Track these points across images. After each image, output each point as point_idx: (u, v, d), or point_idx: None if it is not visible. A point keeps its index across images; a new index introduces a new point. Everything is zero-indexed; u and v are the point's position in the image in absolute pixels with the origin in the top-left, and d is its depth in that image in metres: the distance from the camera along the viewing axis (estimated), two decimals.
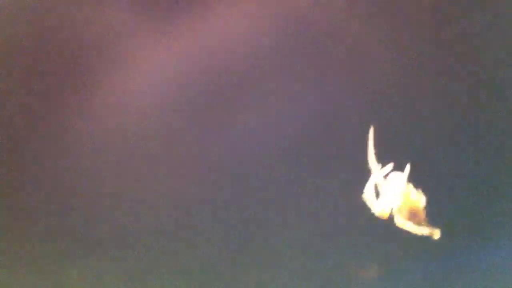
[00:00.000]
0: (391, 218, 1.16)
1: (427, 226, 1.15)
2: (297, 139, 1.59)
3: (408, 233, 1.44)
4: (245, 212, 1.66)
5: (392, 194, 1.14)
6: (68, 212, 1.67)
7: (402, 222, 1.15)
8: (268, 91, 1.68)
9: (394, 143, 1.58)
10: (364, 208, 1.49)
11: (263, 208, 1.65)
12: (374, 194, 1.15)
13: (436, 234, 1.15)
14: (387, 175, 1.15)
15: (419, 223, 1.15)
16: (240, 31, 1.68)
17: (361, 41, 1.68)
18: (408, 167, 1.13)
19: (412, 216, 1.15)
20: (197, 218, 1.67)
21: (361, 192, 1.31)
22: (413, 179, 1.15)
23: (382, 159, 1.24)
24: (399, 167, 1.18)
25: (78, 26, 1.68)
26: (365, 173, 1.33)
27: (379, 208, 1.15)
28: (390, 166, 1.15)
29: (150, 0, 1.70)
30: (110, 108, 1.69)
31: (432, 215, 1.52)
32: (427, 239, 1.55)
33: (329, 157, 1.49)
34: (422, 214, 1.15)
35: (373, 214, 1.19)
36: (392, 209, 1.15)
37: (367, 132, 1.44)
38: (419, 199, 1.15)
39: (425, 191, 1.44)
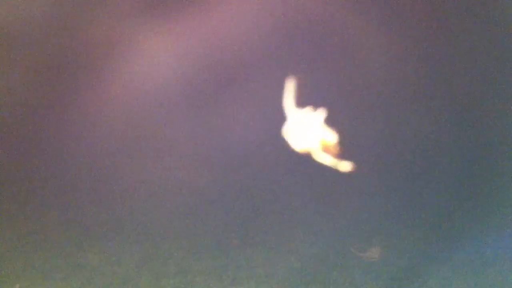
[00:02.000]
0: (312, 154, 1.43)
1: (339, 160, 1.42)
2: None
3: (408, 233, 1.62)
4: (250, 196, 1.77)
5: (309, 134, 1.42)
6: (85, 200, 1.78)
7: (320, 156, 1.42)
8: (267, 90, 1.71)
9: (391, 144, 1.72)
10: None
11: (268, 191, 1.77)
12: (293, 134, 1.42)
13: (345, 166, 1.41)
14: (305, 118, 1.43)
15: (332, 157, 1.42)
16: (240, 31, 1.75)
17: (359, 41, 1.75)
18: (323, 111, 1.41)
19: (326, 151, 1.42)
20: (207, 203, 1.78)
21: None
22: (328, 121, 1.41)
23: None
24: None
25: (78, 27, 1.78)
26: (364, 169, 1.50)
27: (299, 145, 1.43)
28: (308, 109, 1.42)
29: (151, 1, 1.80)
30: (110, 106, 1.79)
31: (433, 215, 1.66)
32: (427, 239, 1.68)
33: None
34: (334, 150, 1.42)
35: None
36: (310, 146, 1.43)
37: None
38: (331, 137, 1.42)
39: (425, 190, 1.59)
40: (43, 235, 1.82)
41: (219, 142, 1.79)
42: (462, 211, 1.68)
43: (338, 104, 1.65)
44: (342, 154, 1.41)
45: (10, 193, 1.82)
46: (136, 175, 1.81)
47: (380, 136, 1.64)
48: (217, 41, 1.75)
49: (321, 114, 1.41)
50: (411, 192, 1.66)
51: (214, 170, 1.79)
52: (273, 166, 1.73)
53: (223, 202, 1.79)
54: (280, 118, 1.61)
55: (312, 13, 1.72)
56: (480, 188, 1.71)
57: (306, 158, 1.45)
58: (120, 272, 1.80)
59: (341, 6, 1.70)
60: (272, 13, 1.76)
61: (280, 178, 1.75)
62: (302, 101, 1.39)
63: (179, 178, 1.79)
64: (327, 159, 1.42)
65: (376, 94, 1.64)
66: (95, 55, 1.78)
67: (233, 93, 1.78)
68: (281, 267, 1.76)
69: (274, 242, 1.78)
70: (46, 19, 1.74)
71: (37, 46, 1.77)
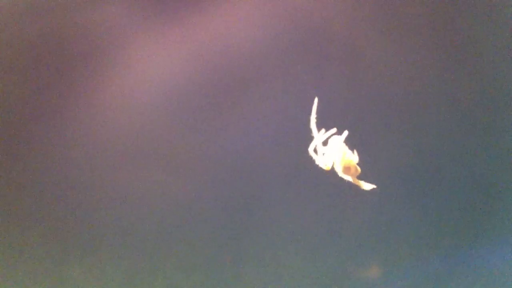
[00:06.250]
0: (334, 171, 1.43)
1: (359, 179, 1.42)
2: (295, 137, 1.59)
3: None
4: (244, 210, 1.74)
5: (332, 153, 1.42)
6: (69, 211, 1.74)
7: (341, 174, 1.43)
8: (267, 91, 1.76)
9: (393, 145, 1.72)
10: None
11: (262, 205, 1.74)
12: (317, 152, 1.42)
13: (366, 186, 1.41)
14: (329, 137, 1.43)
15: (353, 176, 1.42)
16: (240, 32, 1.75)
17: (361, 42, 1.78)
18: (345, 132, 1.41)
19: (347, 170, 1.42)
20: (198, 216, 1.75)
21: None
22: (350, 142, 1.41)
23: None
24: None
25: (79, 27, 1.76)
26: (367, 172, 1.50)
27: (322, 162, 1.43)
28: (333, 130, 1.42)
29: (151, 1, 1.77)
30: (110, 108, 1.77)
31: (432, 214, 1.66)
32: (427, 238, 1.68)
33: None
34: (355, 169, 1.42)
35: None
36: (333, 163, 1.43)
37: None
38: (352, 157, 1.42)
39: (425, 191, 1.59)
40: (23, 247, 1.78)
41: (216, 151, 1.77)
42: (472, 231, 1.69)
43: (359, 123, 1.65)
44: (364, 174, 1.40)
45: None
46: (122, 185, 1.78)
47: (402, 155, 1.64)
48: (219, 44, 1.74)
49: (342, 133, 1.41)
50: (416, 207, 1.67)
51: (208, 182, 1.76)
52: (270, 177, 1.71)
53: (216, 215, 1.76)
54: (286, 127, 1.71)
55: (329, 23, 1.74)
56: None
57: (308, 171, 1.45)
58: (105, 287, 1.76)
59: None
60: (285, 15, 1.76)
61: (278, 191, 1.72)
62: (322, 120, 1.38)
63: (169, 189, 1.76)
64: (346, 177, 1.42)
65: (400, 111, 1.64)
66: (95, 56, 1.77)
67: (234, 97, 1.77)
68: (276, 285, 1.74)
69: (269, 259, 1.76)
70: (47, 20, 1.73)
71: (35, 45, 1.75)
